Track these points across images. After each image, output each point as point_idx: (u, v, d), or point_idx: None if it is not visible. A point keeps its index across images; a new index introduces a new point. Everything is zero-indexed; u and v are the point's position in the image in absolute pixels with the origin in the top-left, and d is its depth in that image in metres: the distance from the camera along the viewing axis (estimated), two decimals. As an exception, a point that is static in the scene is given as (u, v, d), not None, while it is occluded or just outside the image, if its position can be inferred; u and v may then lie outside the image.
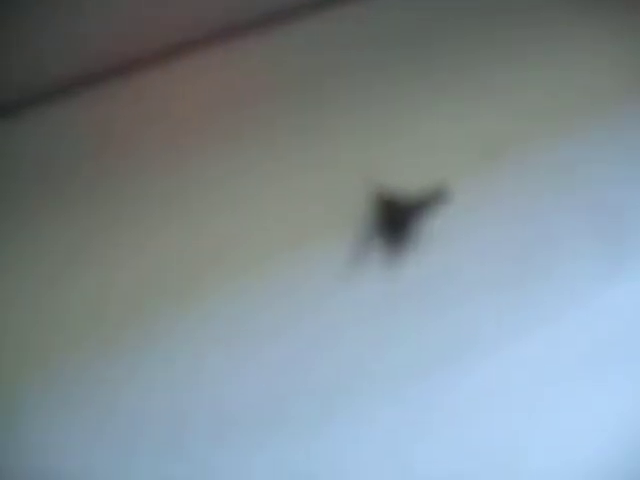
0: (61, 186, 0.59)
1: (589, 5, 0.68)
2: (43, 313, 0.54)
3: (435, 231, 0.57)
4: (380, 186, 0.58)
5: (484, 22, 0.66)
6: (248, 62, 0.64)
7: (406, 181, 0.58)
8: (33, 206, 0.58)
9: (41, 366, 0.52)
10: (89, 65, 0.62)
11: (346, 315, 0.55)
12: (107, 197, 0.59)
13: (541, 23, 0.67)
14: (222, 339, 0.54)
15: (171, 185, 0.60)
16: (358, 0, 0.66)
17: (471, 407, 0.54)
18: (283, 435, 0.52)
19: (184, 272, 0.56)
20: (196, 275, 0.56)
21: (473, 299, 0.56)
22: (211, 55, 0.64)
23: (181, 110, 0.62)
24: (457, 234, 0.58)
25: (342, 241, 0.57)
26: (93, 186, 0.59)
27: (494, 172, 0.60)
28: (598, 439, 0.53)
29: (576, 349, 0.56)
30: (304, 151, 0.60)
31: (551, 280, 0.57)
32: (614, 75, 0.65)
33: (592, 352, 0.56)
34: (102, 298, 0.55)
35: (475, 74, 0.64)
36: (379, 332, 0.55)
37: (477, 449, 0.52)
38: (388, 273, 0.57)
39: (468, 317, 0.56)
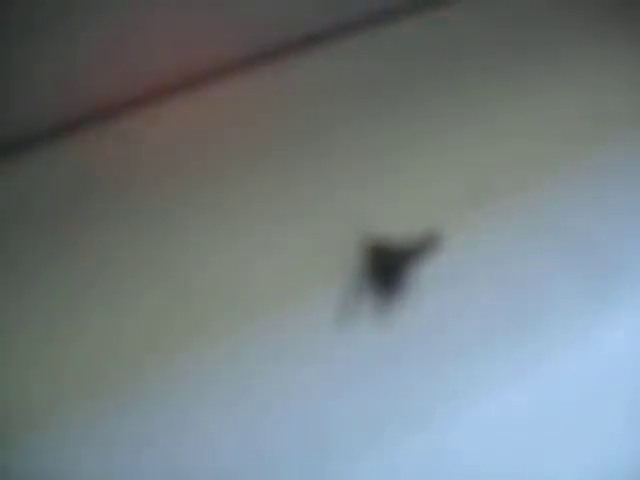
0: (56, 230, 0.58)
1: (587, 38, 0.67)
2: (41, 367, 0.54)
3: (427, 278, 0.57)
4: (371, 233, 0.57)
5: (479, 66, 0.66)
6: (234, 107, 0.63)
7: (397, 228, 0.58)
8: (27, 252, 0.57)
9: (41, 423, 0.52)
10: (86, 106, 0.61)
11: (338, 365, 0.55)
12: (102, 242, 0.58)
13: (540, 62, 0.66)
14: (210, 395, 0.54)
15: (161, 230, 0.59)
16: (349, 39, 0.65)
17: (465, 452, 0.54)
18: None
19: (185, 321, 0.56)
20: (199, 324, 0.56)
21: (466, 345, 0.56)
22: (195, 100, 0.63)
23: (167, 153, 0.62)
24: (448, 280, 0.58)
25: (333, 290, 0.57)
26: (88, 230, 0.58)
27: (484, 218, 0.60)
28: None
29: (567, 391, 0.56)
30: (293, 199, 0.60)
31: (541, 323, 0.58)
32: (605, 119, 0.66)
33: (582, 393, 0.56)
34: (103, 349, 0.54)
35: (466, 121, 0.64)
36: (372, 381, 0.55)
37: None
38: (380, 321, 0.56)
39: (461, 363, 0.56)
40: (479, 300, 0.57)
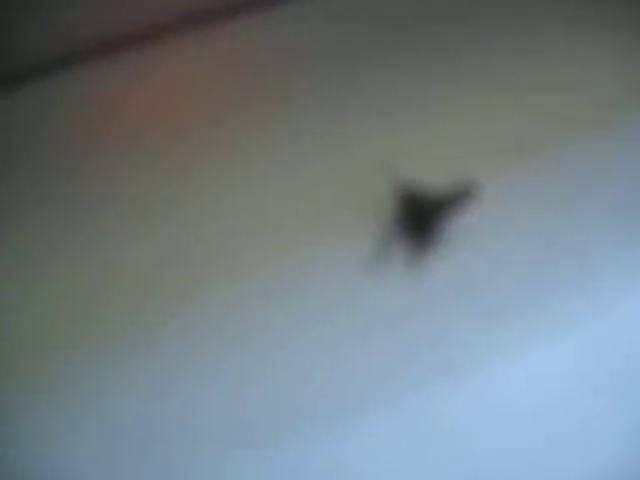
0: (46, 172, 0.56)
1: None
2: (30, 308, 0.52)
3: (461, 229, 0.54)
4: (404, 179, 0.54)
5: (517, 17, 0.62)
6: (255, 40, 0.60)
7: (431, 175, 0.54)
8: (14, 196, 0.55)
9: (31, 370, 0.50)
10: (77, 43, 0.59)
11: (366, 318, 0.52)
12: (97, 183, 0.56)
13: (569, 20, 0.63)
14: (227, 342, 0.51)
15: (170, 171, 0.56)
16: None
17: (502, 413, 0.51)
18: (292, 443, 0.49)
19: (185, 269, 0.53)
20: (200, 272, 0.53)
21: (500, 301, 0.53)
22: (224, 29, 0.60)
23: (179, 89, 0.59)
24: (483, 233, 0.54)
25: (362, 238, 0.54)
26: (81, 171, 0.56)
27: (523, 169, 0.56)
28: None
29: (598, 364, 0.53)
30: (320, 137, 0.57)
31: (579, 286, 0.54)
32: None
33: (619, 363, 0.53)
34: (96, 296, 0.52)
35: (509, 69, 0.60)
36: (401, 337, 0.52)
37: (497, 460, 0.50)
38: (411, 273, 0.53)
39: (494, 320, 0.53)
40: (514, 256, 0.54)
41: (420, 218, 0.53)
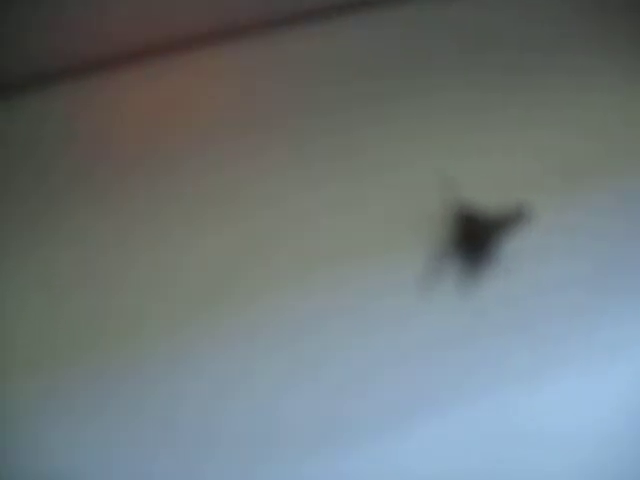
0: (54, 181, 0.53)
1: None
2: (44, 319, 0.49)
3: (513, 251, 0.52)
4: (459, 200, 0.52)
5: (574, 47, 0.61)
6: (311, 49, 0.57)
7: (485, 197, 0.53)
8: (31, 209, 0.52)
9: (43, 375, 0.48)
10: (86, 53, 0.55)
11: (417, 335, 0.50)
12: (112, 196, 0.53)
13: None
14: (268, 357, 0.49)
15: (185, 181, 0.53)
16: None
17: (556, 430, 0.50)
18: (335, 458, 0.47)
19: (218, 278, 0.50)
20: (234, 284, 0.50)
21: (550, 322, 0.52)
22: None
23: (185, 103, 0.56)
24: (535, 256, 0.53)
25: (416, 255, 0.52)
26: (94, 185, 0.53)
27: (576, 196, 0.55)
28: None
29: None
30: (376, 151, 0.55)
31: (628, 310, 0.53)
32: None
33: None
34: (111, 306, 0.50)
35: (565, 95, 0.59)
36: (451, 354, 0.50)
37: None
38: (463, 292, 0.51)
39: (544, 340, 0.51)
40: (565, 277, 0.52)
41: (475, 238, 0.51)
